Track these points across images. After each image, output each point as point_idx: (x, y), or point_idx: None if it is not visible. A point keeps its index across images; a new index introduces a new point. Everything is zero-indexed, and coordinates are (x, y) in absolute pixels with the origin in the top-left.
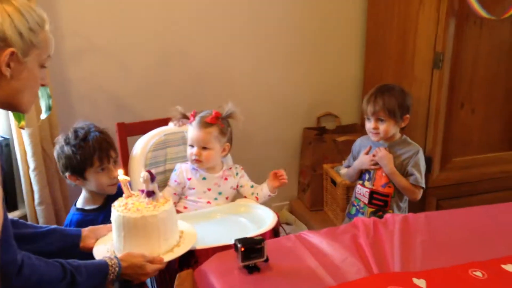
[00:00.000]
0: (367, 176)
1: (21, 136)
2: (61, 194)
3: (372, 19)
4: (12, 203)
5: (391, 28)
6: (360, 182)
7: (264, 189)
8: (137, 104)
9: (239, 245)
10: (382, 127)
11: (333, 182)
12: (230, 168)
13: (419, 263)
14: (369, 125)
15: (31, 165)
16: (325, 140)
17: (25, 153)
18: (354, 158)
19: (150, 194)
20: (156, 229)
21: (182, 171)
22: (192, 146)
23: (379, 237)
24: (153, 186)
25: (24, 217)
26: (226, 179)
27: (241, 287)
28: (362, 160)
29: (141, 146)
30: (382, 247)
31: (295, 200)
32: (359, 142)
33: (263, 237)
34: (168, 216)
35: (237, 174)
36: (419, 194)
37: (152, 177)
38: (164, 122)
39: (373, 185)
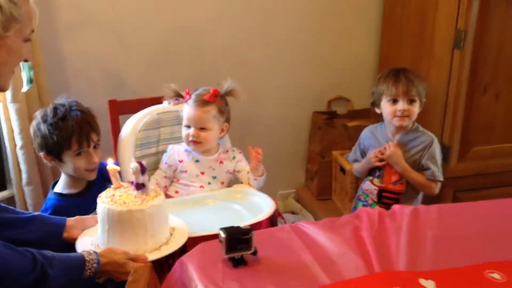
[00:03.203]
0: (377, 173)
1: (7, 111)
2: (52, 174)
3: None
4: (0, 183)
5: (410, 3)
6: (370, 178)
7: (250, 173)
8: (136, 82)
9: (223, 235)
10: (413, 108)
11: (342, 170)
12: (227, 151)
13: (428, 261)
14: (393, 108)
15: (18, 142)
16: (335, 125)
17: (12, 130)
18: (361, 151)
19: (140, 187)
20: (143, 225)
21: (174, 152)
22: (188, 126)
23: (384, 230)
24: (144, 179)
25: (12, 198)
26: (221, 162)
27: (223, 282)
28: (370, 157)
29: (131, 125)
30: (387, 242)
31: (302, 188)
32: (366, 134)
33: (258, 227)
34: (157, 211)
35: (234, 158)
36: (437, 188)
37: (143, 169)
38: (159, 100)
39: (382, 183)
